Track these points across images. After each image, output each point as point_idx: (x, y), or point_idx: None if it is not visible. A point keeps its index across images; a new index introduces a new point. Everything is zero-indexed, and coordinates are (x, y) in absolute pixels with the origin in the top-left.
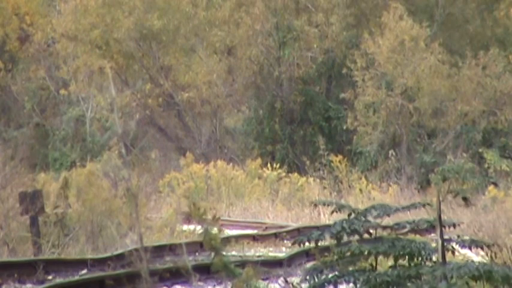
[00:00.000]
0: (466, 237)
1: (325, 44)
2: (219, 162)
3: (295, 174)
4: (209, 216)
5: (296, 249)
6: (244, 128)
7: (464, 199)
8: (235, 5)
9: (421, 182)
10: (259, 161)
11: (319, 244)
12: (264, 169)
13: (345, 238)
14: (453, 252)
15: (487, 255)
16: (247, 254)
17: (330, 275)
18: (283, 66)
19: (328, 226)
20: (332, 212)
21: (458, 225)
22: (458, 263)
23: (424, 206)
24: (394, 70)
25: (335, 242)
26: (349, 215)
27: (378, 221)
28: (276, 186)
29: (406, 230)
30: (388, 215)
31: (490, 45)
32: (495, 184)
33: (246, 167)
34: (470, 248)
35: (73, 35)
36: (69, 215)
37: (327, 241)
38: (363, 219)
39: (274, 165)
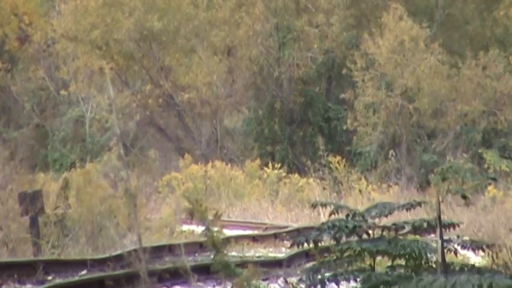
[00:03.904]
0: (466, 238)
1: (325, 45)
2: (218, 163)
3: (295, 174)
4: (210, 215)
5: (296, 249)
6: (244, 128)
7: (464, 197)
8: (235, 5)
9: (421, 182)
10: (258, 161)
11: (318, 245)
12: (264, 169)
13: (344, 239)
14: (455, 253)
15: (487, 255)
16: (247, 254)
17: (328, 274)
18: (283, 67)
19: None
20: (330, 214)
21: (458, 225)
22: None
23: (420, 204)
24: (394, 70)
25: (334, 242)
26: (347, 216)
27: (376, 221)
28: (275, 186)
29: (405, 230)
30: (386, 216)
31: (490, 45)
32: (494, 179)
33: (245, 167)
34: (473, 250)
35: (73, 35)
36: (69, 216)
37: (325, 242)
38: (361, 219)
39: (275, 165)
